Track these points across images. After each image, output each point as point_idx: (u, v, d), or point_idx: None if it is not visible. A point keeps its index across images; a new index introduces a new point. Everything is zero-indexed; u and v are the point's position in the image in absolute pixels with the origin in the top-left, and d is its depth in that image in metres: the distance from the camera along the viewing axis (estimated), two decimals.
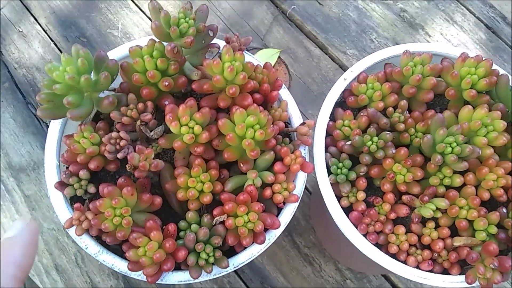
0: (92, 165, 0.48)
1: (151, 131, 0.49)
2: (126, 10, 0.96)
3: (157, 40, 0.50)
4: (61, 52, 0.93)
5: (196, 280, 0.47)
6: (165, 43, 0.49)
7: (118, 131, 0.48)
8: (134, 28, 0.95)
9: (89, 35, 0.94)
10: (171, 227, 0.47)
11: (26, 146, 0.85)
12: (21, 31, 0.95)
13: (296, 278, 0.79)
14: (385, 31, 0.94)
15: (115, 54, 0.55)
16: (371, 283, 0.79)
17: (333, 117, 0.56)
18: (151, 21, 0.94)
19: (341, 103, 0.58)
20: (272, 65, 0.73)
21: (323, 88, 0.89)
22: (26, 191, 0.82)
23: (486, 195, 0.50)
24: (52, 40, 0.94)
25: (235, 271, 0.79)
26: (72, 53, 0.47)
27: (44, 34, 0.95)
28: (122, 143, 0.48)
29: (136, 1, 0.98)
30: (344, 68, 0.91)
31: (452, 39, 0.94)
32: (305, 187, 0.53)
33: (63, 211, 0.49)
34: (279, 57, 0.89)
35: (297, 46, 0.93)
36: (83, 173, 0.49)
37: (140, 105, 0.49)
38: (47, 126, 0.86)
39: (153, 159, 0.47)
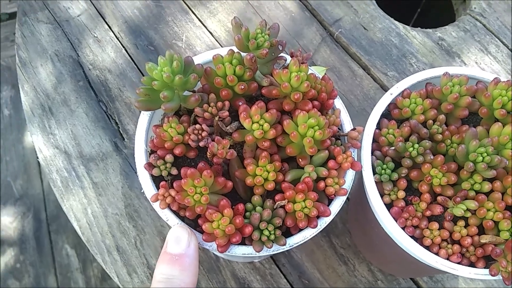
0: (177, 151, 0.58)
1: (226, 126, 0.59)
2: (190, 24, 1.07)
3: (235, 50, 0.60)
4: (131, 57, 1.04)
5: (257, 254, 0.56)
6: (242, 54, 0.59)
7: (200, 124, 0.58)
8: (197, 40, 1.05)
9: (156, 44, 1.05)
10: (240, 206, 0.55)
11: (96, 138, 0.96)
12: (96, 37, 1.07)
13: (332, 275, 0.86)
14: (424, 57, 1.03)
15: (196, 60, 0.65)
16: (400, 286, 0.86)
17: (378, 126, 0.65)
18: (211, 35, 1.05)
19: (386, 115, 0.66)
20: None
21: (364, 105, 0.98)
22: (94, 179, 0.93)
23: (510, 201, 0.57)
24: (123, 47, 1.06)
25: (276, 265, 0.87)
26: (167, 57, 0.57)
27: (116, 40, 1.06)
28: (204, 134, 0.57)
29: (199, 17, 1.08)
30: (384, 88, 1.00)
31: (486, 68, 1.02)
32: None
33: (149, 188, 0.59)
34: (325, 74, 0.98)
35: (342, 66, 1.02)
36: (169, 157, 0.58)
37: (219, 104, 0.58)
38: (116, 123, 0.97)
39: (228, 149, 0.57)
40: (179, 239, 0.54)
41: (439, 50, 1.04)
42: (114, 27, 1.09)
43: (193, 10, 1.10)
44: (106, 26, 1.09)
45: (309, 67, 0.63)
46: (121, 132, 0.97)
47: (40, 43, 1.08)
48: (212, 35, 1.07)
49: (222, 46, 1.05)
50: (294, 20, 1.08)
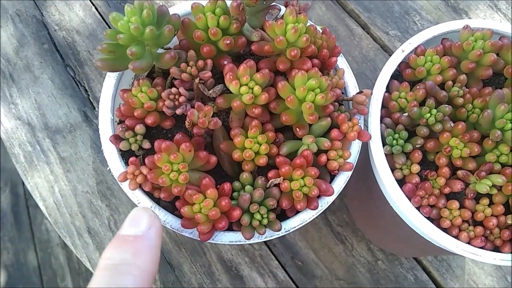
0: (149, 120, 0.48)
1: (209, 90, 0.49)
2: None
3: None
4: (102, 16, 0.92)
5: (248, 242, 0.47)
6: (227, 1, 0.49)
7: (177, 88, 0.48)
8: None
9: (131, 1, 0.93)
10: (227, 186, 0.46)
11: (63, 108, 0.85)
12: None
13: (327, 255, 0.79)
14: (428, 14, 0.93)
15: (172, 11, 0.55)
16: (402, 266, 0.78)
17: (388, 89, 0.55)
18: None
19: (396, 76, 0.57)
20: None
21: (363, 68, 0.88)
22: (61, 153, 0.82)
23: None
24: (93, 4, 0.94)
25: (267, 245, 0.79)
26: (136, 5, 0.46)
27: None
28: (181, 99, 0.47)
29: None
30: (385, 49, 0.90)
31: None
32: None
33: (116, 165, 0.49)
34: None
35: (338, 24, 0.92)
36: (139, 128, 0.49)
37: (200, 63, 0.48)
38: (85, 90, 0.86)
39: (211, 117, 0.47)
40: (137, 220, 0.42)
41: (445, 6, 0.94)
42: None
43: None
44: None
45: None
46: (91, 100, 0.86)
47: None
48: None
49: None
50: None
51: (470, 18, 0.93)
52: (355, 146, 0.51)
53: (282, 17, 0.48)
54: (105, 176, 0.81)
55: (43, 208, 0.80)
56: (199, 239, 0.47)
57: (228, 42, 0.48)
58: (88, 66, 0.89)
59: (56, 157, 0.82)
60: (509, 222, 0.50)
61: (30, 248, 1.81)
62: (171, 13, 0.50)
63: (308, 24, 0.49)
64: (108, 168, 0.49)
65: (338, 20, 0.92)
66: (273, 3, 0.52)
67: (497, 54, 0.55)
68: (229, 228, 0.48)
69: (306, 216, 0.49)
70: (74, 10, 0.94)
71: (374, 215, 0.68)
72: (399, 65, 0.56)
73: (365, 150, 0.55)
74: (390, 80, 0.55)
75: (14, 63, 0.89)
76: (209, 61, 0.49)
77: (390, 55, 0.57)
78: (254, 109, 0.47)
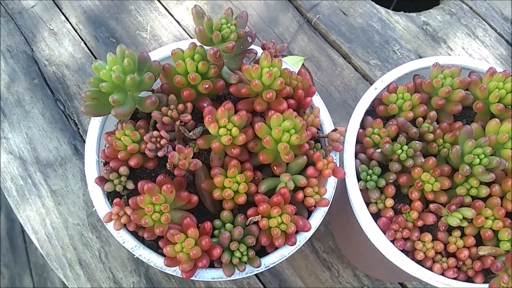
0: (132, 162, 0.50)
1: (189, 131, 0.51)
2: (155, 13, 0.98)
3: (198, 43, 0.52)
4: (90, 51, 0.95)
5: (229, 278, 0.49)
6: (206, 47, 0.51)
7: (158, 130, 0.50)
8: (163, 30, 0.97)
9: (118, 36, 0.96)
10: (207, 225, 0.48)
11: (54, 141, 0.87)
12: (52, 29, 0.97)
13: (314, 282, 0.80)
14: (407, 43, 0.96)
15: (154, 56, 0.57)
16: None
17: (362, 125, 0.58)
18: (179, 24, 0.97)
19: (370, 112, 0.59)
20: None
21: (345, 97, 0.91)
22: (52, 186, 0.84)
23: (510, 206, 0.51)
24: (82, 39, 0.96)
25: (255, 274, 0.80)
26: (117, 53, 0.49)
27: (74, 33, 0.97)
28: (163, 142, 0.49)
29: (165, 5, 1.00)
30: (366, 78, 0.93)
31: (474, 53, 0.95)
32: None
33: (102, 205, 0.51)
34: (303, 64, 0.91)
35: (321, 55, 0.95)
36: (123, 169, 0.51)
37: (180, 106, 0.51)
38: (75, 124, 0.88)
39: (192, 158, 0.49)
40: None
41: (424, 35, 0.97)
42: (72, 18, 0.99)
43: None
44: (63, 17, 0.99)
45: (283, 60, 0.55)
46: (81, 133, 0.88)
47: None
48: (180, 24, 0.98)
49: (191, 37, 0.97)
50: (269, 6, 1.00)
51: (448, 46, 0.96)
52: (331, 182, 0.53)
53: (258, 60, 0.51)
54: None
55: (35, 241, 0.81)
56: (182, 276, 0.48)
57: (207, 86, 0.50)
58: (78, 100, 0.91)
59: (47, 190, 0.84)
60: (480, 253, 0.52)
61: (26, 273, 1.80)
62: (153, 58, 0.52)
63: (284, 67, 0.52)
64: (94, 209, 0.51)
65: (320, 51, 0.95)
66: (250, 47, 0.54)
67: (467, 89, 0.58)
68: (211, 265, 0.50)
69: (285, 252, 0.51)
70: (64, 45, 0.96)
71: (356, 243, 0.70)
72: (373, 101, 0.59)
73: (343, 182, 0.57)
74: (364, 116, 0.58)
75: (5, 98, 0.91)
76: (189, 105, 0.51)
77: (371, 84, 0.59)
78: (233, 150, 0.49)
